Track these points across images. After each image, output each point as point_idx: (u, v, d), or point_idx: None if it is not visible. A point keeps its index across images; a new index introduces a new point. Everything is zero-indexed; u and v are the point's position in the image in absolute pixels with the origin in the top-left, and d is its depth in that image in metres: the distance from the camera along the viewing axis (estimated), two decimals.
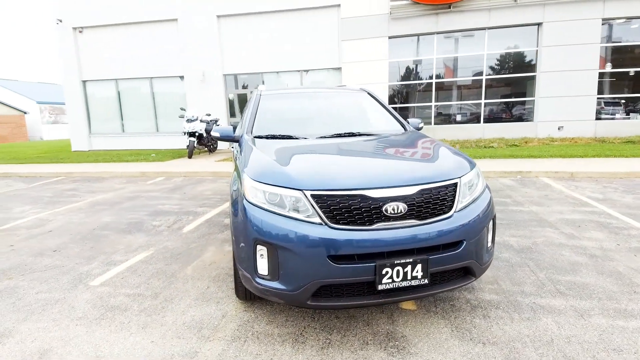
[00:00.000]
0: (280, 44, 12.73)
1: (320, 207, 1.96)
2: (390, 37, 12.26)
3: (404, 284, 1.98)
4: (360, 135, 3.03)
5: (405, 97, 13.06)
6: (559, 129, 11.86)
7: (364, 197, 1.97)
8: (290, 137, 2.95)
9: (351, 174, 2.12)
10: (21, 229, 4.64)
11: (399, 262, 1.94)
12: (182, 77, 13.60)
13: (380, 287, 1.95)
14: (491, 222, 2.35)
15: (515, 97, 12.53)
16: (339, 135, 3.00)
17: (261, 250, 2.02)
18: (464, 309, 2.46)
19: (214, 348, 2.13)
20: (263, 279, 2.05)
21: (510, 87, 12.52)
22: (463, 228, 2.09)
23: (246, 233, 2.06)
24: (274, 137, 2.97)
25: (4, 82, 37.97)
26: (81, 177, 8.82)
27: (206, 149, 11.82)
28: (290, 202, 2.00)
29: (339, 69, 12.66)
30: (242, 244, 2.12)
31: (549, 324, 2.26)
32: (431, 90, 12.73)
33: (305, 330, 2.28)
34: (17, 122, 33.46)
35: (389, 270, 1.94)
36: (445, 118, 13.01)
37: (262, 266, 2.04)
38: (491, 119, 12.68)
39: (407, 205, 2.00)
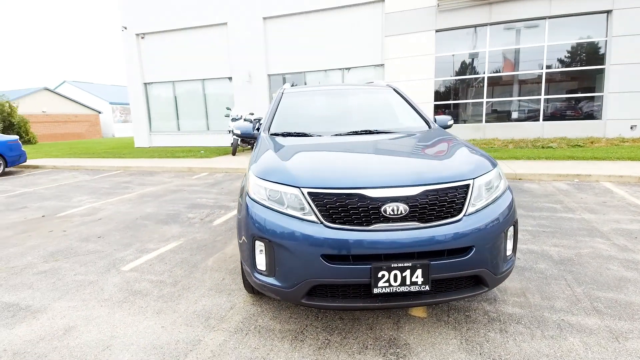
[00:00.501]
0: (322, 42, 12.77)
1: (317, 205, 1.93)
2: (437, 31, 11.74)
3: (403, 289, 1.87)
4: (377, 133, 2.93)
5: (454, 93, 12.44)
6: (631, 128, 10.55)
7: (362, 197, 1.90)
8: (305, 135, 2.94)
9: (350, 172, 2.06)
10: (76, 216, 5.15)
11: (396, 265, 1.84)
12: (230, 79, 14.20)
13: (376, 291, 1.86)
14: (512, 229, 2.15)
15: (581, 93, 11.35)
16: (356, 133, 2.93)
17: (260, 246, 2.03)
18: (479, 321, 2.28)
19: (216, 338, 2.19)
20: (261, 274, 2.07)
21: (575, 81, 11.37)
22: (473, 233, 1.93)
23: (247, 229, 2.08)
24: (289, 134, 2.98)
25: (81, 85, 42.48)
26: (137, 171, 9.58)
27: (249, 146, 12.23)
28: (288, 199, 1.99)
29: (382, 65, 12.39)
30: (243, 239, 2.15)
31: (575, 345, 2.01)
32: (483, 86, 11.98)
33: (307, 328, 2.26)
34: (92, 121, 37.23)
35: (386, 273, 1.85)
36: (499, 115, 12.17)
37: (261, 262, 2.05)
38: (552, 116, 11.63)
39: (408, 206, 1.89)
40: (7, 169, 9.88)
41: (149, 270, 3.21)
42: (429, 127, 3.19)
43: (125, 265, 3.34)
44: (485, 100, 12.06)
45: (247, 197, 2.16)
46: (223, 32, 13.83)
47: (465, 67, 12.12)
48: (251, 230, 2.05)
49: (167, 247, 3.77)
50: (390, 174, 2.01)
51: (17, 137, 10.24)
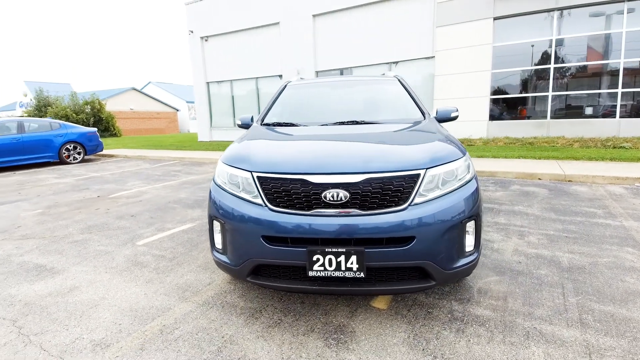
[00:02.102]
0: (369, 37, 12.60)
1: (264, 189, 2.01)
2: (495, 19, 10.90)
3: (338, 274, 1.88)
4: (364, 123, 2.90)
5: (514, 86, 11.45)
6: None
7: (305, 182, 1.94)
8: (292, 125, 3.02)
9: (298, 158, 2.10)
10: (122, 198, 5.83)
11: (330, 250, 1.86)
12: (280, 76, 14.70)
13: (311, 274, 1.89)
14: (472, 223, 2.02)
15: None
16: (342, 123, 2.93)
17: (217, 226, 2.18)
18: (439, 319, 2.17)
19: (184, 308, 2.40)
20: (218, 252, 2.21)
21: None
22: (416, 224, 1.86)
23: (208, 210, 2.24)
24: (278, 124, 3.08)
25: (163, 85, 47.10)
26: (189, 162, 10.44)
27: None
28: (243, 183, 2.10)
29: (432, 58, 11.86)
30: (208, 220, 2.31)
31: (535, 355, 1.83)
32: (548, 78, 10.86)
33: (266, 308, 2.36)
34: (171, 118, 41.15)
35: (321, 257, 1.87)
36: (566, 111, 10.95)
37: (217, 241, 2.20)
38: (632, 113, 10.14)
39: (350, 193, 1.89)
40: (86, 157, 11.43)
41: (157, 246, 3.56)
42: (424, 117, 3.06)
43: (141, 240, 3.74)
44: (550, 94, 10.92)
45: (212, 181, 2.32)
46: (275, 32, 14.36)
47: (528, 58, 11.07)
48: (210, 211, 2.20)
49: (181, 227, 4.13)
50: (335, 162, 2.01)
51: (95, 129, 11.77)
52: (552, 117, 11.02)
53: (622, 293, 2.40)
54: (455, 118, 3.32)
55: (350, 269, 1.87)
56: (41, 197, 6.06)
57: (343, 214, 1.89)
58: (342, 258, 1.86)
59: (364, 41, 12.71)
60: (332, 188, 1.90)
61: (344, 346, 1.96)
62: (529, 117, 11.39)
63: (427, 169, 1.97)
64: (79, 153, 11.03)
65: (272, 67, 14.84)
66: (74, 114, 23.44)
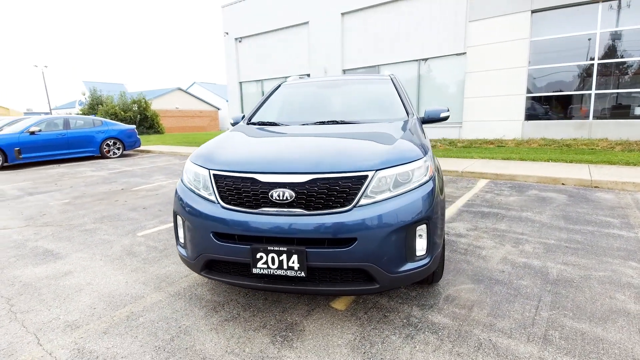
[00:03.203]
0: (398, 34, 12.33)
1: (218, 187, 2.08)
2: (533, 12, 10.25)
3: (280, 272, 1.91)
4: (343, 123, 2.88)
5: (552, 84, 10.70)
6: None
7: (254, 181, 1.98)
8: (274, 124, 3.07)
9: (249, 157, 2.14)
10: (142, 191, 6.21)
11: (272, 249, 1.89)
12: (308, 75, 14.81)
13: (255, 271, 1.94)
14: (424, 227, 1.96)
15: None
16: (322, 123, 2.94)
17: (179, 221, 2.29)
18: (392, 323, 2.13)
19: (155, 297, 2.54)
20: (180, 246, 2.32)
21: None
22: (358, 226, 1.84)
23: (173, 205, 2.36)
24: (262, 123, 3.15)
25: (206, 85, 49.19)
26: None
27: None
28: (202, 180, 2.18)
29: (464, 54, 11.38)
30: (172, 215, 2.43)
31: None
32: (591, 75, 10.04)
33: (229, 302, 2.44)
34: (212, 116, 42.88)
35: (264, 255, 1.91)
36: (612, 111, 10.07)
37: (180, 235, 2.30)
38: None
39: (295, 193, 1.91)
40: (125, 152, 12.24)
41: (154, 237, 3.77)
42: (407, 117, 2.98)
43: (142, 231, 3.98)
44: (593, 92, 10.09)
45: (180, 179, 2.43)
46: (304, 31, 14.48)
47: (569, 53, 10.29)
48: (174, 207, 2.31)
49: None
50: (284, 162, 2.04)
51: (133, 126, 12.57)
52: (594, 118, 10.18)
53: (605, 311, 2.20)
54: (445, 118, 3.21)
55: (291, 268, 1.89)
56: (73, 188, 6.61)
57: (286, 213, 1.91)
58: (284, 257, 1.89)
59: (393, 38, 12.47)
60: (279, 187, 1.93)
61: (288, 344, 1.98)
62: (568, 117, 10.61)
63: (376, 170, 1.94)
64: (118, 148, 11.85)
65: (300, 66, 15.01)
66: (122, 112, 25.14)
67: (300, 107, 3.44)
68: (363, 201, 1.90)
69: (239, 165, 2.08)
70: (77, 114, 28.64)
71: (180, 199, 2.22)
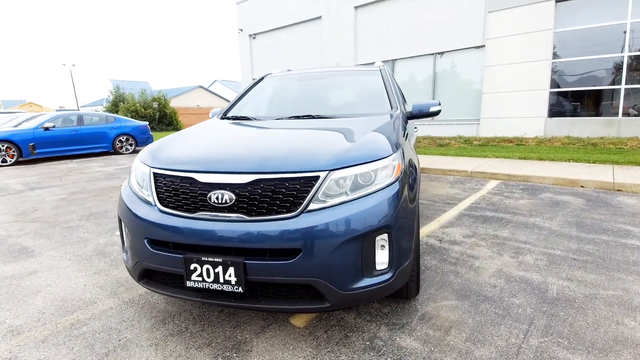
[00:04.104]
0: (412, 27, 11.85)
1: (157, 187, 1.87)
2: (558, 1, 9.59)
3: (216, 286, 1.68)
4: (318, 117, 2.63)
5: (577, 78, 9.99)
6: None
7: (193, 181, 1.76)
8: (247, 119, 2.85)
9: (191, 154, 1.92)
10: None
11: (207, 259, 1.66)
12: None
13: (189, 284, 1.72)
14: (386, 236, 1.69)
15: None
16: (297, 118, 2.69)
17: (123, 225, 2.10)
18: (353, 346, 1.86)
19: (107, 304, 2.37)
20: (125, 252, 2.13)
21: None
22: (303, 234, 1.59)
23: (117, 207, 2.17)
24: (236, 118, 2.93)
25: (227, 83, 49.81)
26: None
27: None
28: (144, 179, 1.98)
29: (482, 47, 10.79)
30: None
31: None
32: (620, 69, 9.29)
33: (182, 314, 2.24)
34: None
35: (198, 267, 1.68)
36: None
37: (126, 240, 2.11)
38: None
39: (236, 195, 1.67)
40: (137, 148, 12.38)
41: None
42: (391, 111, 2.69)
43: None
44: (623, 87, 9.33)
45: (128, 177, 2.24)
46: (317, 26, 14.20)
47: (596, 45, 9.56)
48: (118, 210, 2.12)
49: None
50: (225, 160, 1.81)
51: (146, 123, 12.70)
52: (624, 115, 9.41)
53: (609, 340, 1.86)
54: (435, 113, 2.89)
55: (228, 282, 1.66)
56: (75, 184, 6.64)
57: (224, 218, 1.68)
58: (219, 269, 1.66)
59: (407, 32, 12.00)
60: (218, 189, 1.70)
61: None
62: (595, 114, 9.87)
63: (330, 170, 1.68)
64: (130, 144, 11.99)
65: (313, 62, 14.74)
66: (142, 109, 25.70)
67: (280, 101, 3.21)
68: (313, 206, 1.64)
69: (178, 163, 1.86)
70: (103, 111, 29.57)
71: (121, 200, 2.03)
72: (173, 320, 2.16)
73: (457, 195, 4.96)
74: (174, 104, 31.04)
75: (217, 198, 1.68)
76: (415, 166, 2.21)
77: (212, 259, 1.65)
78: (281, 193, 1.65)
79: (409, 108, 3.28)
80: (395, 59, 12.60)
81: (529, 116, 10.47)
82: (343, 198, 1.67)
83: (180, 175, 1.80)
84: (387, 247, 1.72)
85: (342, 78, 3.37)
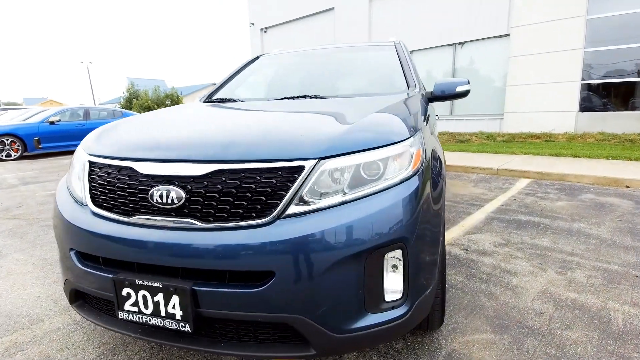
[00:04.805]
0: (430, 17, 11.17)
1: (90, 180, 1.40)
2: None
3: (156, 321, 1.20)
4: (316, 97, 2.13)
5: (612, 69, 9.14)
6: None
7: (133, 172, 1.28)
8: (231, 101, 2.37)
9: (137, 138, 1.45)
10: None
11: (142, 283, 1.18)
12: None
13: (121, 315, 1.24)
14: (400, 253, 1.18)
15: None
16: (291, 98, 2.20)
17: None
18: None
19: (54, 324, 1.93)
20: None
21: None
22: (280, 249, 1.09)
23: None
24: (221, 100, 2.46)
25: None
26: None
27: None
28: (78, 170, 1.51)
29: (507, 36, 10.03)
30: None
31: None
32: None
33: (136, 342, 1.77)
34: None
35: (132, 292, 1.21)
36: None
37: None
38: None
39: (187, 193, 1.19)
40: None
41: None
42: (408, 91, 2.16)
43: None
44: None
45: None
46: (330, 18, 13.68)
47: (633, 33, 8.69)
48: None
49: None
50: (176, 143, 1.33)
51: None
52: None
53: None
54: (463, 94, 2.34)
55: (171, 317, 1.17)
56: None
57: (168, 225, 1.20)
58: (159, 297, 1.18)
59: (425, 22, 11.32)
60: (164, 183, 1.22)
61: None
62: (632, 108, 9.01)
63: (320, 159, 1.17)
64: None
65: None
66: (155, 106, 25.73)
67: (274, 81, 2.73)
68: (294, 209, 1.14)
69: (118, 148, 1.39)
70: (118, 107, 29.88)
71: (55, 198, 1.57)
72: (124, 351, 1.69)
73: (482, 195, 4.37)
74: (188, 101, 31.08)
75: (160, 196, 1.20)
76: (439, 158, 1.68)
77: (149, 283, 1.18)
78: (249, 190, 1.16)
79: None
80: (412, 51, 11.92)
81: (558, 110, 9.68)
82: (338, 198, 1.17)
83: (117, 165, 1.33)
84: (400, 268, 1.20)
85: (350, 54, 2.86)
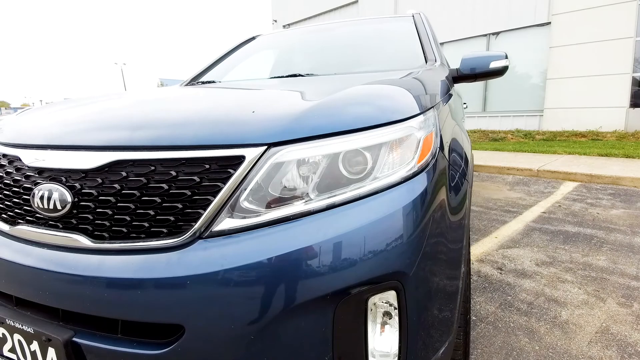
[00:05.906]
0: (462, 7, 10.40)
1: None
2: None
3: None
4: (309, 75, 1.72)
5: None
6: None
7: (19, 164, 0.92)
8: (211, 82, 2.01)
9: (39, 121, 1.08)
10: None
11: (15, 325, 0.81)
12: None
13: None
14: (392, 297, 0.76)
15: None
16: (280, 77, 1.81)
17: None
18: None
19: None
20: None
21: None
22: (196, 288, 0.69)
23: None
24: (202, 83, 2.10)
25: None
26: None
27: None
28: None
29: (547, 24, 9.16)
30: None
31: None
32: None
33: None
34: None
35: (7, 335, 0.84)
36: None
37: None
38: None
39: (73, 196, 0.80)
40: None
41: None
42: (426, 66, 1.69)
43: None
44: None
45: None
46: (354, 11, 13.22)
47: None
48: None
49: None
50: (72, 127, 0.96)
51: None
52: None
53: None
54: (499, 71, 1.85)
55: None
56: None
57: (50, 242, 0.82)
58: (35, 347, 0.80)
59: (456, 12, 10.58)
60: (49, 180, 0.84)
61: None
62: None
63: (270, 145, 0.75)
64: None
65: None
66: None
67: (270, 61, 2.34)
68: (225, 223, 0.74)
69: (15, 132, 1.03)
70: None
71: None
72: None
73: (520, 200, 3.77)
74: None
75: (41, 199, 0.82)
76: (463, 152, 1.22)
77: (21, 326, 0.80)
78: (160, 192, 0.76)
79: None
80: (442, 43, 11.20)
81: (606, 106, 8.71)
82: (298, 207, 0.74)
83: (5, 153, 0.97)
84: (395, 319, 0.76)
85: (358, 28, 2.40)
